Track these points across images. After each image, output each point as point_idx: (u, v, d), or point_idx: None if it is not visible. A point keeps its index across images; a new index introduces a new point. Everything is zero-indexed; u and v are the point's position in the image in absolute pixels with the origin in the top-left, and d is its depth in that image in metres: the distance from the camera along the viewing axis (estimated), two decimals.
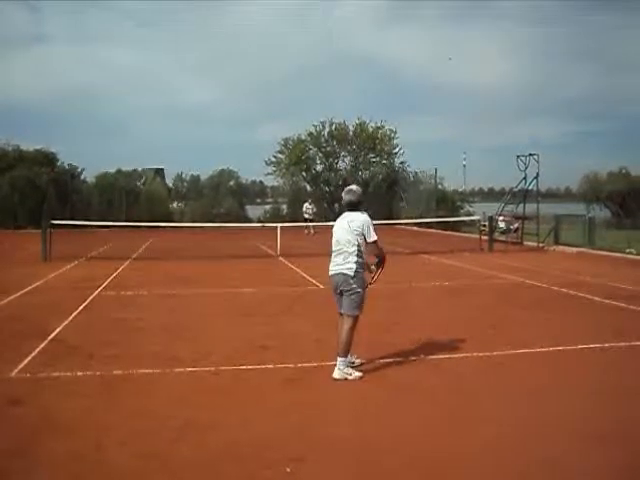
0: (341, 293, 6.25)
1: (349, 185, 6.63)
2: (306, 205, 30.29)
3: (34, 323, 8.62)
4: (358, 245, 6.17)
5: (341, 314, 6.33)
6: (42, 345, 7.38)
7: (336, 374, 6.14)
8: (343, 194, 6.41)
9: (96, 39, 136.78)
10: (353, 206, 6.32)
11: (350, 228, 6.18)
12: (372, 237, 6.18)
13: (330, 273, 6.35)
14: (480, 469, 4.17)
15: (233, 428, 4.89)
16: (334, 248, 6.33)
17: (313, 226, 27.44)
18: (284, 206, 40.72)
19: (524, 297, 11.23)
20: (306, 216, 29.21)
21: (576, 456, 4.38)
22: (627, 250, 18.97)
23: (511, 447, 4.52)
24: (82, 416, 5.14)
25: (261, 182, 53.40)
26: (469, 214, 34.61)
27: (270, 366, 6.61)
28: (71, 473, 4.07)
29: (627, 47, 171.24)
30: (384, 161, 41.04)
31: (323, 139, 40.54)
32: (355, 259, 6.16)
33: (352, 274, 6.15)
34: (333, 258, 6.34)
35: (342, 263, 6.20)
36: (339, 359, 6.16)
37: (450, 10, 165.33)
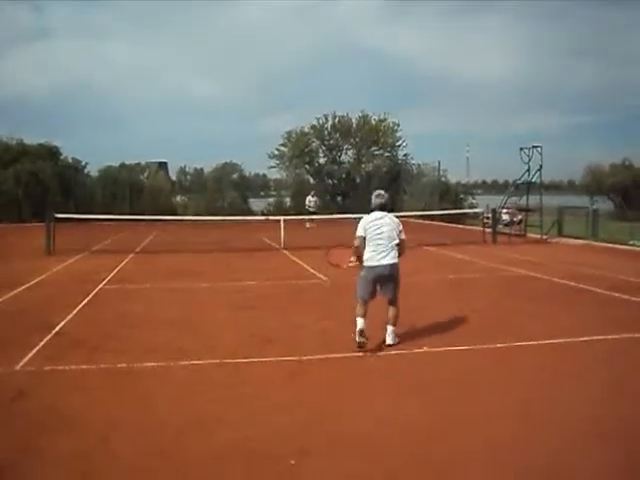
0: (381, 282, 7.11)
1: (377, 190, 7.56)
2: (309, 198, 29.27)
3: (38, 317, 8.64)
4: (397, 240, 7.13)
5: (365, 301, 7.08)
6: (47, 338, 7.40)
7: (390, 340, 7.11)
8: (373, 197, 7.38)
9: (99, 34, 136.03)
10: (384, 207, 7.30)
11: (394, 224, 7.18)
12: (403, 235, 7.26)
13: (376, 264, 7.05)
14: (482, 466, 4.17)
15: (238, 422, 4.90)
16: (377, 241, 7.07)
17: (315, 219, 26.63)
18: (287, 199, 40.68)
19: (528, 289, 11.22)
20: (310, 209, 28.25)
21: (579, 453, 4.36)
22: (631, 242, 18.93)
23: (513, 444, 4.50)
24: (87, 410, 5.16)
25: (264, 175, 53.29)
26: (472, 206, 34.55)
27: (274, 359, 6.63)
28: (76, 469, 4.09)
29: (629, 41, 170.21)
30: (387, 154, 40.96)
31: (326, 132, 40.45)
32: (396, 253, 7.12)
33: (397, 266, 7.14)
34: (376, 250, 7.07)
35: (390, 256, 7.07)
36: (391, 327, 7.14)
37: (452, 4, 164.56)
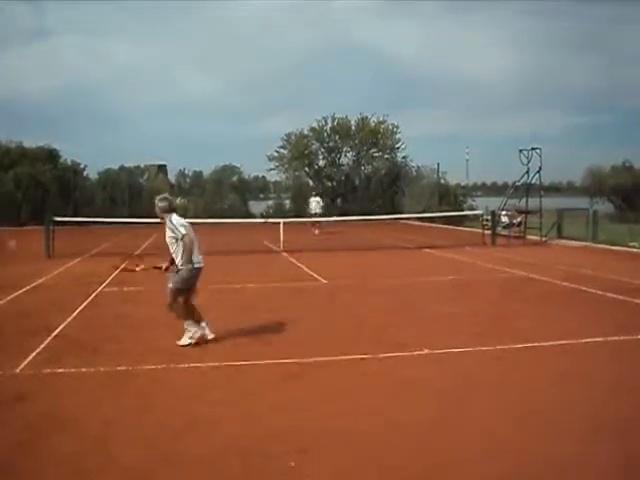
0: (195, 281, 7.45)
1: (163, 194, 7.80)
2: (317, 200, 26.93)
3: (38, 319, 8.64)
4: None
5: (188, 298, 7.43)
6: (46, 341, 7.40)
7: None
8: (169, 201, 7.53)
9: (98, 35, 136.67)
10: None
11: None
12: None
13: (199, 264, 7.44)
14: (482, 466, 4.16)
15: (237, 423, 4.90)
16: (194, 245, 7.34)
17: (320, 222, 25.44)
18: (287, 201, 40.71)
19: (528, 291, 11.22)
20: (317, 211, 26.19)
21: (580, 455, 4.34)
22: (630, 244, 18.93)
23: (514, 445, 4.50)
24: (87, 412, 5.16)
25: (264, 177, 53.34)
26: (472, 208, 34.53)
27: (273, 361, 6.62)
28: (76, 469, 4.09)
29: (629, 39, 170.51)
30: (386, 156, 41.01)
31: (325, 134, 40.50)
32: None
33: None
34: (195, 251, 7.35)
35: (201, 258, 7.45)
36: (205, 322, 7.48)
37: (452, 3, 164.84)
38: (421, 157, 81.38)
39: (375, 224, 28.75)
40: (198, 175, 48.93)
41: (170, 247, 7.33)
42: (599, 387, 5.79)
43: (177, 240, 7.20)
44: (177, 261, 7.28)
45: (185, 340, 7.27)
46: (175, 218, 7.31)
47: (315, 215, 26.10)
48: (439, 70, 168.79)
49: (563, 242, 20.86)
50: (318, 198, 27.42)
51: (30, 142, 35.36)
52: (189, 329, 7.32)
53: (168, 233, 7.30)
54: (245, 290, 11.52)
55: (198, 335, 7.32)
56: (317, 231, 25.13)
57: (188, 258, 7.15)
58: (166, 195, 7.74)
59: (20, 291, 11.06)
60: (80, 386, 5.86)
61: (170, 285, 7.23)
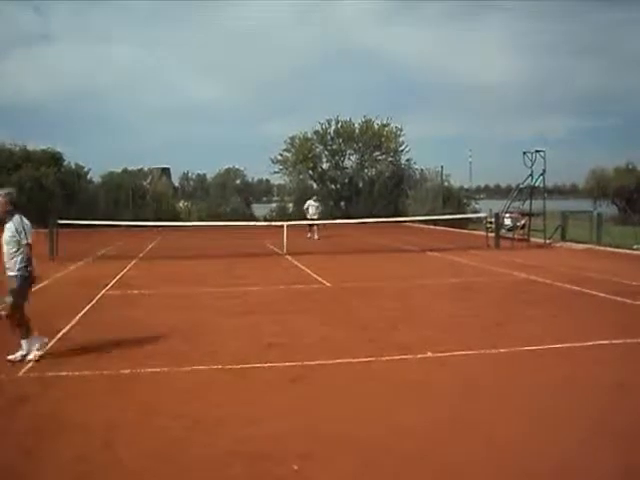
0: None
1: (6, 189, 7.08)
2: (309, 202, 25.66)
3: (41, 322, 8.57)
4: None
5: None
6: (50, 344, 7.38)
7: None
8: (16, 199, 6.97)
9: (102, 38, 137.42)
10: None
11: None
12: None
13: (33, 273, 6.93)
14: (484, 468, 4.15)
15: (241, 426, 4.89)
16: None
17: (317, 224, 24.76)
18: (290, 204, 40.73)
19: (531, 294, 11.18)
20: (315, 215, 25.09)
21: (583, 458, 4.34)
22: (634, 246, 18.88)
23: (516, 448, 4.49)
24: (90, 415, 5.15)
25: (267, 180, 53.44)
26: (475, 211, 34.50)
27: (277, 364, 6.61)
28: (79, 472, 4.08)
29: (632, 42, 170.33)
30: (390, 159, 41.08)
31: (329, 137, 40.59)
32: None
33: None
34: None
35: None
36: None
37: (455, 6, 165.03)
38: (425, 160, 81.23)
39: (379, 227, 28.77)
40: (202, 178, 49.09)
41: (6, 248, 6.74)
42: (603, 391, 5.77)
43: (19, 243, 6.70)
44: (12, 265, 6.68)
45: (17, 356, 6.71)
46: (25, 220, 6.84)
47: (312, 219, 24.98)
48: (443, 73, 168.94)
49: (567, 245, 20.83)
50: (318, 203, 26.31)
51: (34, 145, 35.52)
52: (27, 345, 6.79)
53: (8, 234, 6.71)
54: (249, 293, 11.50)
55: (39, 352, 6.82)
56: (316, 235, 24.43)
57: (26, 263, 6.73)
58: (12, 190, 7.05)
59: None
60: (83, 389, 5.85)
61: (11, 295, 6.65)
